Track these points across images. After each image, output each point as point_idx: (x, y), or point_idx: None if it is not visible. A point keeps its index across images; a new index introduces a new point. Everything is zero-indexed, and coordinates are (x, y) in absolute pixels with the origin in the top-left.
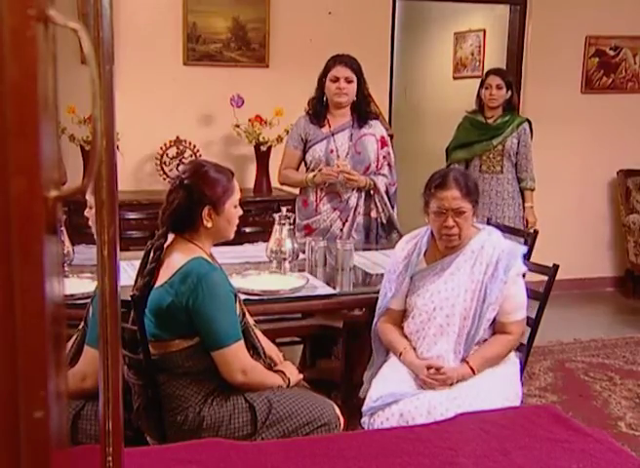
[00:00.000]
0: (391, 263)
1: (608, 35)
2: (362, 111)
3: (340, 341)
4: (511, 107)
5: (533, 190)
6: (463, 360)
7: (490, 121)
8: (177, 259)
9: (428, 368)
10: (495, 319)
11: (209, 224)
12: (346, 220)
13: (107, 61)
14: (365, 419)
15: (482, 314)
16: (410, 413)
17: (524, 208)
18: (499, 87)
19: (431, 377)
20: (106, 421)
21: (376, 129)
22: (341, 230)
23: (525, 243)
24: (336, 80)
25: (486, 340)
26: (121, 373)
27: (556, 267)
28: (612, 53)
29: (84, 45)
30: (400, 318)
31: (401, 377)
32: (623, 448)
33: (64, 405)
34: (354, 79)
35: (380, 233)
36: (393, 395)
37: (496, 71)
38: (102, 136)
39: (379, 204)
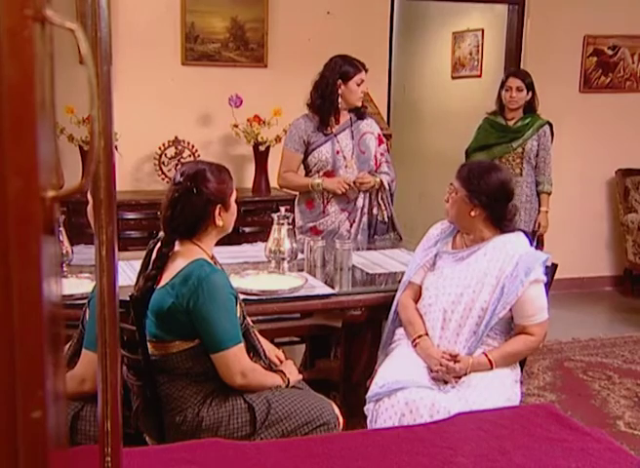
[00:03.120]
0: (423, 240)
1: (606, 34)
2: (357, 107)
3: (339, 341)
4: (532, 109)
5: (549, 194)
6: (468, 353)
7: (510, 123)
8: (179, 261)
9: (443, 353)
10: (509, 321)
11: (220, 222)
12: (354, 221)
13: (105, 62)
14: (369, 406)
15: (495, 311)
16: (414, 403)
17: (539, 211)
18: (519, 89)
19: (444, 365)
20: (105, 421)
21: (373, 127)
22: (349, 231)
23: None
24: (361, 83)
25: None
26: (120, 373)
27: (555, 266)
28: (610, 52)
29: (81, 45)
30: (420, 293)
31: (409, 365)
32: (622, 446)
33: (62, 405)
34: None
35: (379, 231)
36: (399, 382)
37: (516, 73)
38: (100, 136)
39: (381, 202)
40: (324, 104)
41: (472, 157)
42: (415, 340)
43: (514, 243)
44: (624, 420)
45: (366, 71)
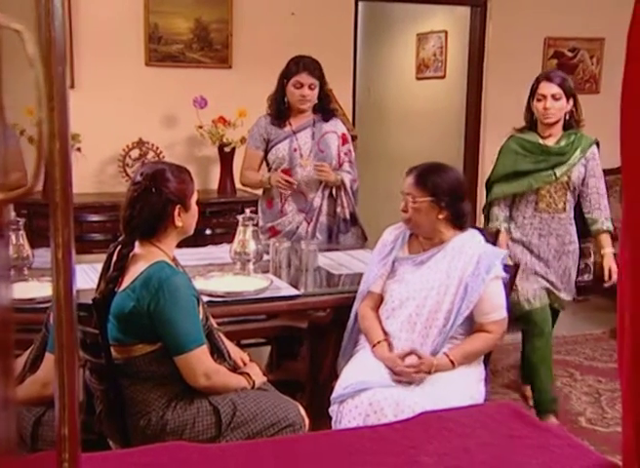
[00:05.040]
0: (378, 247)
1: (566, 37)
2: (324, 109)
3: (304, 342)
4: (574, 124)
5: (611, 232)
6: (434, 353)
7: (548, 142)
8: (140, 264)
9: (403, 356)
10: (472, 319)
11: (180, 223)
12: (311, 221)
13: (59, 63)
14: (334, 407)
15: (460, 311)
16: (379, 403)
17: (602, 254)
18: (555, 97)
19: (408, 365)
20: (62, 426)
21: (337, 126)
22: (307, 231)
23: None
24: (300, 86)
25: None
26: (78, 378)
27: (517, 267)
28: (570, 54)
29: (28, 47)
30: (380, 301)
31: (372, 366)
32: (582, 442)
33: (12, 411)
34: (317, 85)
35: (342, 229)
36: (363, 383)
37: (549, 77)
38: (54, 137)
39: (344, 200)
40: (274, 102)
41: (496, 189)
42: (374, 346)
43: (472, 242)
44: (586, 416)
45: (313, 76)
